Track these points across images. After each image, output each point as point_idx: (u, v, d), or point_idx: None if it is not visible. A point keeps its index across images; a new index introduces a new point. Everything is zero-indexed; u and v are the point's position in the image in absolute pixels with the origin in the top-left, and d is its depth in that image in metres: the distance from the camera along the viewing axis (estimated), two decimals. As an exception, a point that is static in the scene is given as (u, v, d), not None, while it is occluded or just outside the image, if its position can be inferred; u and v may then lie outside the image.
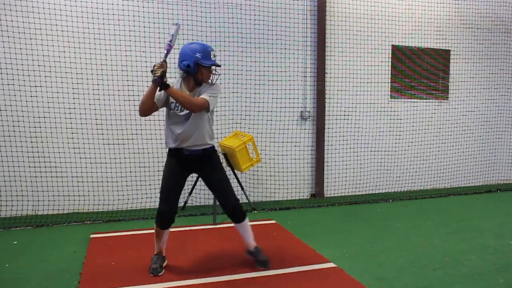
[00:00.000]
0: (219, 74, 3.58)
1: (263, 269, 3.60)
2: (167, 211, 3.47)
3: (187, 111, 3.35)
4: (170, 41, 3.37)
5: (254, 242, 3.70)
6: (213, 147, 3.57)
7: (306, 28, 6.36)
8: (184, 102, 3.24)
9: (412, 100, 7.13)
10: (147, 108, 3.32)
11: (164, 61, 3.26)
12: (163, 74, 3.20)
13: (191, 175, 3.68)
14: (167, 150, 3.58)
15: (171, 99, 3.38)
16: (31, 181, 5.35)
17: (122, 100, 5.60)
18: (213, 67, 3.46)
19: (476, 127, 7.54)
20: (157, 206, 3.53)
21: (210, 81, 3.47)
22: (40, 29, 5.22)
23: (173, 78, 3.66)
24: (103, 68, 5.50)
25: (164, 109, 3.50)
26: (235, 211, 3.56)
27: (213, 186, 3.59)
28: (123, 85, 5.58)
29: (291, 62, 6.32)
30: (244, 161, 5.34)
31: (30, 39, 5.20)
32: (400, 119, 7.03)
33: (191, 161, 3.49)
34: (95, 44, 5.45)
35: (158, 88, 3.24)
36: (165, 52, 3.35)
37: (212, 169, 3.55)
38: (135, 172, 5.74)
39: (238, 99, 6.06)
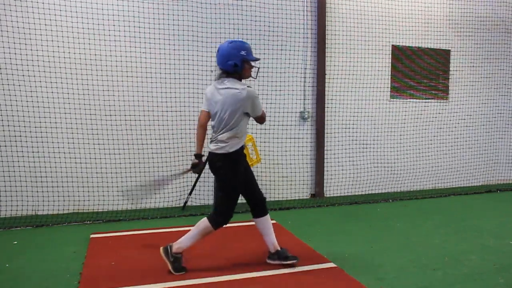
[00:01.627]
0: (258, 68, 3.61)
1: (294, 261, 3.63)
2: (231, 216, 3.54)
3: None
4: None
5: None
6: None
7: (306, 28, 6.36)
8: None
9: (412, 100, 7.13)
10: None
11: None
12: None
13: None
14: (233, 154, 3.42)
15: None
16: (31, 181, 5.35)
17: (122, 101, 5.61)
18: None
19: (476, 127, 7.54)
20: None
21: (253, 77, 3.54)
22: (40, 29, 5.22)
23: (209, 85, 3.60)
24: (103, 69, 5.50)
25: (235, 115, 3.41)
26: (263, 201, 3.70)
27: (248, 178, 3.64)
28: (123, 85, 5.59)
29: (291, 62, 6.32)
30: (244, 161, 5.32)
31: (30, 39, 5.19)
32: (400, 119, 7.03)
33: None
34: (94, 44, 5.45)
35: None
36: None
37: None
38: (135, 172, 5.74)
39: (238, 99, 6.06)
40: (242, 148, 3.51)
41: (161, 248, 3.55)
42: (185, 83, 5.81)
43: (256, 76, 3.56)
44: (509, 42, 7.54)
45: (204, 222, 3.51)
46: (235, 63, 3.34)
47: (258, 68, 3.59)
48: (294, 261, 3.63)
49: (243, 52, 3.36)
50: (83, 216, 5.35)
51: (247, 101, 3.35)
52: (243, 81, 3.51)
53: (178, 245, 3.53)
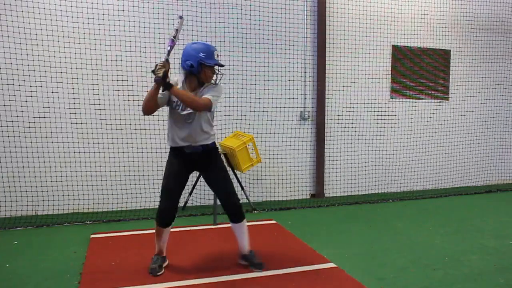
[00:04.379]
0: (223, 74, 3.56)
1: (258, 271, 3.57)
2: (167, 209, 3.49)
3: (189, 111, 3.34)
4: (174, 36, 3.27)
5: (249, 246, 3.69)
6: (213, 144, 3.56)
7: (306, 28, 6.36)
8: (189, 101, 3.23)
9: (412, 100, 7.13)
10: (150, 107, 3.33)
11: (167, 60, 3.18)
12: (166, 74, 3.13)
13: (191, 174, 3.67)
14: (169, 148, 3.59)
15: (173, 98, 3.37)
16: (31, 181, 5.35)
17: (122, 100, 5.60)
18: (216, 67, 3.44)
19: (476, 127, 7.55)
20: (157, 206, 3.55)
21: (213, 81, 3.45)
22: (41, 29, 5.21)
23: (177, 74, 3.62)
24: (103, 69, 5.49)
25: (167, 107, 3.49)
26: (234, 210, 3.56)
27: (212, 184, 3.60)
28: (122, 85, 5.58)
29: (291, 62, 6.32)
30: (244, 161, 5.33)
31: (31, 39, 5.19)
32: (400, 119, 7.03)
33: (192, 159, 3.50)
34: (95, 44, 5.44)
35: (162, 88, 3.20)
36: (168, 49, 3.25)
37: (212, 166, 3.55)
38: (135, 172, 5.74)
39: (238, 99, 6.06)
40: (176, 146, 3.48)
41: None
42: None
43: (216, 81, 3.46)
44: (509, 42, 7.54)
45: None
46: (191, 63, 3.26)
47: (222, 74, 3.50)
48: (258, 270, 3.59)
49: (201, 54, 3.26)
50: (83, 216, 5.35)
51: None
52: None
53: None
